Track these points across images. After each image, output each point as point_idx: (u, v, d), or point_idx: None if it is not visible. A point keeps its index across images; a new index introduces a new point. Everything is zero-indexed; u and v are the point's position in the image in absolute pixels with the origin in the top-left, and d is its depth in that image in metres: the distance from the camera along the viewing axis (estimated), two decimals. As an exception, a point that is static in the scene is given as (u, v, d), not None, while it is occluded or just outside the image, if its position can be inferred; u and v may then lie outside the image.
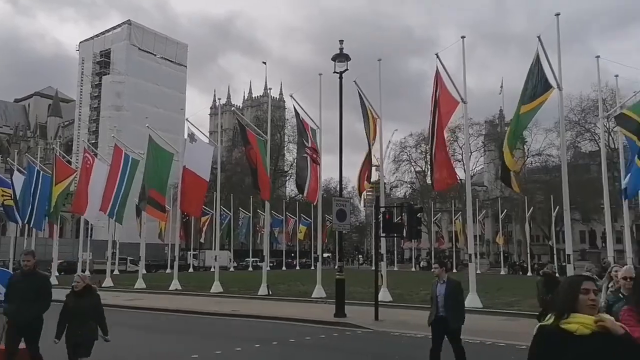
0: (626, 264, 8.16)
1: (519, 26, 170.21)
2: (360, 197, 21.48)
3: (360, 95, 20.81)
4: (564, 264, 24.81)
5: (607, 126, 38.38)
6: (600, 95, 25.96)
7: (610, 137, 45.98)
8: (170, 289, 26.56)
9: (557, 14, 18.43)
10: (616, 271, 6.19)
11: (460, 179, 37.78)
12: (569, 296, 2.78)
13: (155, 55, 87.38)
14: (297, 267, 61.55)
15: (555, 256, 51.27)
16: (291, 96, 23.72)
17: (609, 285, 11.66)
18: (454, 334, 7.76)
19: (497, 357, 10.31)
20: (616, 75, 24.19)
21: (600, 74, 22.53)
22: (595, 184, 41.31)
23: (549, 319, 2.79)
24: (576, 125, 57.27)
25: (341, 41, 22.00)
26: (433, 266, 8.62)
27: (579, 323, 2.68)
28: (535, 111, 17.81)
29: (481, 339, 11.13)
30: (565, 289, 2.82)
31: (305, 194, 23.86)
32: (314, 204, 27.40)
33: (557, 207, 45.01)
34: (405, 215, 19.43)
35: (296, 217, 61.33)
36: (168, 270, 46.16)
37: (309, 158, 22.55)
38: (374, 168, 26.38)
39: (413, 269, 65.85)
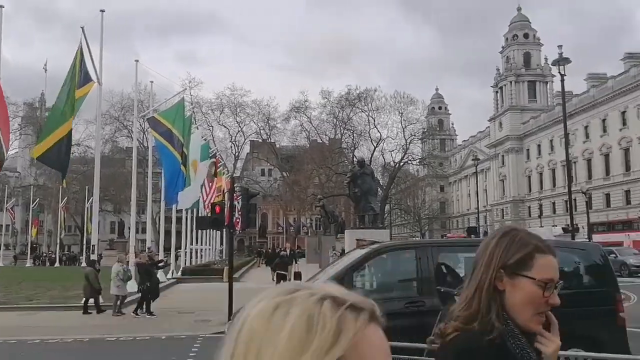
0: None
1: (67, 8, 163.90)
2: None
3: None
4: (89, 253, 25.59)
5: (142, 126, 41.58)
6: (137, 97, 28.08)
7: (144, 136, 49.93)
8: None
9: (102, 11, 19.06)
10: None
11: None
12: None
13: None
14: None
15: (85, 246, 51.82)
16: None
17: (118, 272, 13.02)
18: None
19: (6, 355, 9.87)
20: (151, 81, 26.65)
21: (141, 76, 24.53)
22: (127, 178, 44.13)
23: None
24: (116, 121, 59.79)
25: None
26: None
27: None
28: (81, 101, 17.78)
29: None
30: None
31: None
32: None
33: (92, 198, 45.79)
34: None
35: None
36: None
37: None
38: None
39: None
